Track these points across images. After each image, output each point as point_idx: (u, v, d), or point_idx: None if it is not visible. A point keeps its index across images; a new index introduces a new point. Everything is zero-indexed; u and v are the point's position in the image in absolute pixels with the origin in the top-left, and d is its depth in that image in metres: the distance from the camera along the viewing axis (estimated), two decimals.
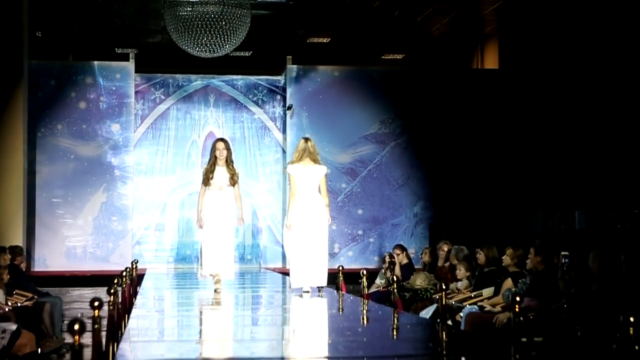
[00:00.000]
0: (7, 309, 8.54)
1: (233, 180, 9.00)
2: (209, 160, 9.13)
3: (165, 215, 14.14)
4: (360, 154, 13.98)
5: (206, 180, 9.02)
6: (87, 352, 4.18)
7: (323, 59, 15.22)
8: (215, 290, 8.63)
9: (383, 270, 11.58)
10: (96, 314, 4.63)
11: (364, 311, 7.14)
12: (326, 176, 8.68)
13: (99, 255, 13.28)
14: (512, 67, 14.71)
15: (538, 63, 14.14)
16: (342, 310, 7.44)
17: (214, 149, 9.10)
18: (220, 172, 9.00)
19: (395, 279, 8.16)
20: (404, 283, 10.40)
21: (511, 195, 13.73)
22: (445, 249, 10.81)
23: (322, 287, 8.56)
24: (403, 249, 11.57)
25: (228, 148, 9.06)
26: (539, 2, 13.48)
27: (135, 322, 6.40)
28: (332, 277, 9.78)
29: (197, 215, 9.06)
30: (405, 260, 11.34)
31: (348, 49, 16.37)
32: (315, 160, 8.58)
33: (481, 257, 9.26)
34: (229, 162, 9.03)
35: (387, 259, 11.53)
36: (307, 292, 8.42)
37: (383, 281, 11.33)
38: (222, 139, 9.27)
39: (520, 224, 12.88)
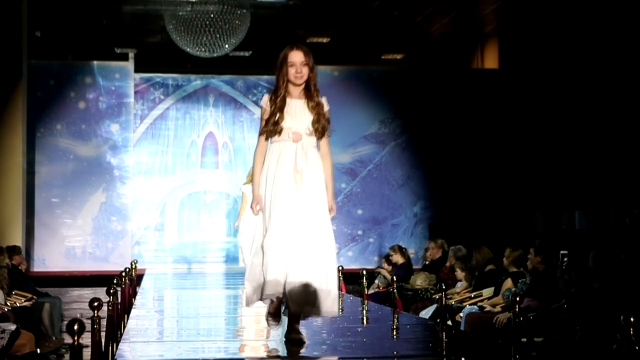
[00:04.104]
0: (6, 309, 8.53)
1: (321, 126, 4.91)
2: (275, 88, 4.90)
3: (165, 216, 14.13)
4: (360, 154, 13.97)
5: (271, 126, 4.81)
6: (87, 353, 4.17)
7: (323, 58, 15.19)
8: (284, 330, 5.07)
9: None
10: (95, 314, 4.63)
11: (364, 311, 7.13)
12: None
13: (99, 256, 13.27)
14: (511, 66, 14.70)
15: (538, 63, 14.12)
16: (342, 310, 7.43)
17: (284, 63, 4.84)
18: (298, 109, 4.88)
19: (394, 278, 8.16)
20: (403, 283, 10.39)
21: (511, 195, 13.72)
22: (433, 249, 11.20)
23: None
24: (398, 249, 11.52)
25: (310, 65, 4.87)
26: (539, 2, 13.47)
27: (135, 322, 6.38)
28: None
29: (253, 193, 4.90)
30: (401, 260, 11.32)
31: (348, 49, 16.34)
32: None
33: (474, 259, 9.31)
34: (312, 90, 4.92)
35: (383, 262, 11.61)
36: None
37: (377, 281, 11.33)
38: (298, 46, 4.90)
39: (520, 224, 12.88)
